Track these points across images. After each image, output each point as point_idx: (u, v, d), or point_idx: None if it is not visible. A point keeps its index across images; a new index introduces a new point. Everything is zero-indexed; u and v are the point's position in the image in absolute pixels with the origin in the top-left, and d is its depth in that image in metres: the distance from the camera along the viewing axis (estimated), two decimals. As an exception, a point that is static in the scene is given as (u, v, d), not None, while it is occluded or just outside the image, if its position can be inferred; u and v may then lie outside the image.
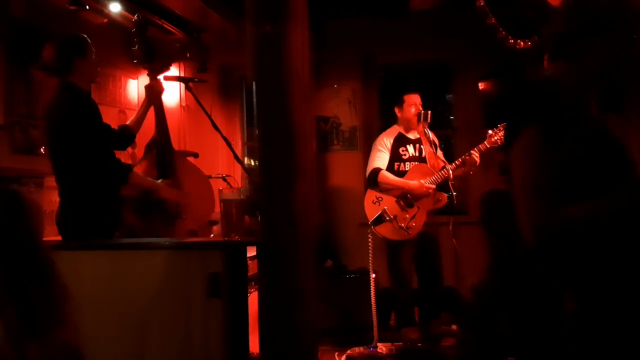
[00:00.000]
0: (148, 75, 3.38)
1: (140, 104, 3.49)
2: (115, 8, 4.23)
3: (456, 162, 4.28)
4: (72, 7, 3.73)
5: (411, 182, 4.25)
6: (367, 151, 5.29)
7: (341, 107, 5.60)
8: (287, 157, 2.45)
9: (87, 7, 3.68)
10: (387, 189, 4.29)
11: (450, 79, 5.59)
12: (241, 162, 3.69)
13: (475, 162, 4.22)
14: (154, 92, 3.30)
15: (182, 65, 5.67)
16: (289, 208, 2.45)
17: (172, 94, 5.65)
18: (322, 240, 5.20)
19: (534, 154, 1.53)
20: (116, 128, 3.27)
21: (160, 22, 4.49)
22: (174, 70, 5.60)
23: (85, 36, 3.12)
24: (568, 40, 1.58)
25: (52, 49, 3.08)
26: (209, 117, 3.15)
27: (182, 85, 5.83)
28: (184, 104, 5.74)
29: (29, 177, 4.07)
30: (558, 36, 1.62)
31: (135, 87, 5.50)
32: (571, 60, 1.58)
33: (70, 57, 2.98)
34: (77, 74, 3.00)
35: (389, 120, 4.81)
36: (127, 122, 3.35)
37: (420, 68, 5.82)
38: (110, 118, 5.08)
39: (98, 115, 3.03)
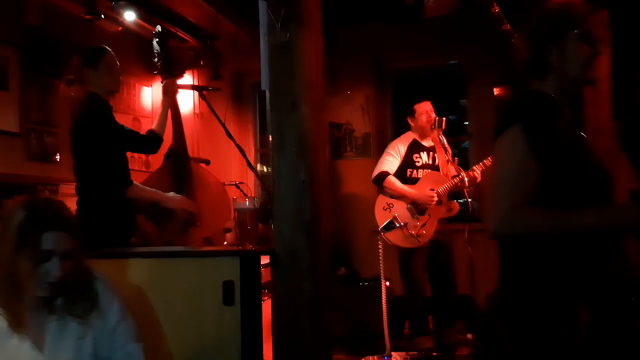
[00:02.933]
0: (163, 79, 3.41)
1: (159, 105, 3.51)
2: (130, 17, 4.25)
3: (470, 170, 4.25)
4: (87, 17, 3.75)
5: (414, 191, 4.22)
6: (379, 159, 5.29)
7: (354, 113, 5.59)
8: (300, 165, 2.44)
9: (103, 16, 3.69)
10: (395, 195, 4.27)
11: (465, 84, 5.57)
12: (254, 170, 3.70)
13: (476, 178, 4.20)
14: (170, 90, 3.34)
15: (195, 72, 5.70)
16: (302, 216, 2.44)
17: (186, 101, 5.67)
18: (335, 247, 5.19)
19: (514, 150, 1.59)
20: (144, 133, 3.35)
21: (174, 30, 4.50)
22: (187, 78, 5.63)
23: (103, 47, 3.16)
24: (539, 59, 1.69)
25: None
26: (223, 124, 3.15)
27: (196, 93, 5.93)
28: (197, 112, 5.76)
29: (44, 184, 4.10)
30: (529, 60, 1.72)
31: (149, 95, 5.54)
32: (549, 74, 1.69)
33: (82, 68, 3.03)
34: (93, 84, 3.04)
35: (402, 126, 4.79)
36: (153, 127, 3.40)
37: (433, 73, 5.80)
38: (125, 124, 5.13)
39: (117, 124, 3.09)
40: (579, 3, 1.68)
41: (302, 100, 2.38)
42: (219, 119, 3.07)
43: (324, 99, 2.50)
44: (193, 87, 3.18)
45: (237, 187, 3.94)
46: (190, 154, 3.83)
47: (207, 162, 3.78)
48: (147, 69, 5.07)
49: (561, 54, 1.65)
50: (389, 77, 5.65)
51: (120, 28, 4.61)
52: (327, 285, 2.61)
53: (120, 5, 3.86)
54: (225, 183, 3.82)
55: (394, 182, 4.26)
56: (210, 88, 3.16)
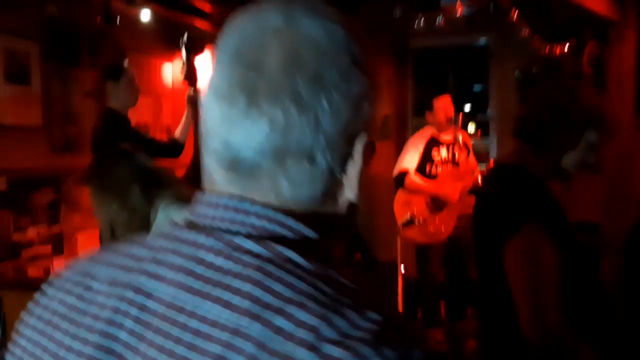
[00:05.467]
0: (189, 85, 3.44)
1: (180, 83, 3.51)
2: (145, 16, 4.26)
3: (488, 166, 4.24)
4: (104, 25, 3.78)
5: (442, 189, 4.22)
6: (399, 141, 5.28)
7: (373, 94, 5.54)
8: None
9: (118, 22, 3.70)
10: (416, 192, 4.29)
11: (487, 65, 5.46)
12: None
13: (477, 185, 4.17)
14: (194, 100, 3.37)
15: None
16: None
17: (206, 77, 5.68)
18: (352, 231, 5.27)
19: (537, 253, 1.53)
20: (166, 139, 3.42)
21: (191, 22, 4.49)
22: (207, 54, 5.60)
23: (124, 63, 3.21)
24: (541, 138, 1.65)
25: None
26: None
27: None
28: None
29: (68, 174, 4.21)
30: (533, 129, 1.68)
31: (170, 71, 5.55)
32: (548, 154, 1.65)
33: (104, 82, 3.09)
34: (114, 99, 3.11)
35: (422, 109, 4.76)
36: (175, 134, 3.46)
37: (455, 53, 5.68)
38: (146, 107, 5.18)
39: (137, 135, 3.15)
40: (590, 89, 1.64)
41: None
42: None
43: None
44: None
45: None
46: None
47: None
48: (167, 44, 5.09)
49: (566, 139, 1.63)
50: (410, 57, 5.55)
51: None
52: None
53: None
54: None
55: (416, 180, 4.26)
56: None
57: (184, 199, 1.87)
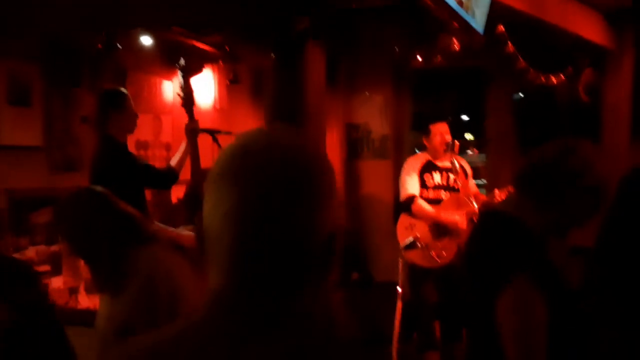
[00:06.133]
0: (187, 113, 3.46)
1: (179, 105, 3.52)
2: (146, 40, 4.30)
3: (489, 196, 4.26)
4: (105, 52, 3.82)
5: (448, 217, 4.19)
6: (397, 161, 5.31)
7: (372, 114, 5.59)
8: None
9: (120, 47, 3.74)
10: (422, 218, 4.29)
11: (484, 88, 5.50)
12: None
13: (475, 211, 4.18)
14: (191, 131, 3.38)
15: (215, 68, 5.71)
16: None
17: (207, 96, 5.72)
18: (349, 248, 5.28)
19: (528, 305, 1.53)
20: (163, 167, 3.44)
21: (190, 40, 4.53)
22: (206, 73, 5.64)
23: (124, 90, 3.24)
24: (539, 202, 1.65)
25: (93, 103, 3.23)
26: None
27: (216, 87, 5.95)
28: (217, 107, 5.81)
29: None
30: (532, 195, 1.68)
31: (170, 89, 5.58)
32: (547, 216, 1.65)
33: (108, 111, 3.12)
34: (115, 126, 3.14)
35: (420, 130, 4.78)
36: (170, 163, 3.47)
37: (454, 76, 5.73)
38: (146, 125, 5.21)
39: (135, 164, 3.18)
40: (590, 153, 1.65)
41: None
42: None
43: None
44: (207, 131, 3.23)
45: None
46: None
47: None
48: (166, 63, 5.12)
49: (575, 205, 1.63)
50: (409, 79, 5.59)
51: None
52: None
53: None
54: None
55: (423, 206, 4.22)
56: (221, 131, 3.20)
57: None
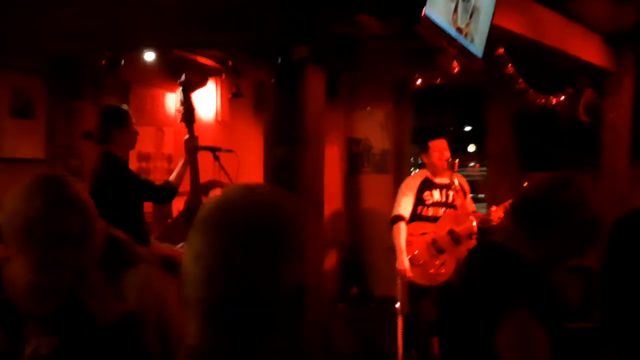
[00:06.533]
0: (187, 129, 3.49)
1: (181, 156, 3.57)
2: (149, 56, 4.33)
3: (487, 214, 4.27)
4: (109, 69, 3.86)
5: (403, 260, 4.20)
6: (398, 176, 5.33)
7: (373, 129, 5.61)
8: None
9: (123, 62, 3.77)
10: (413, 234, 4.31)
11: (485, 104, 5.52)
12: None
13: (490, 222, 4.18)
14: (191, 147, 3.42)
15: (218, 80, 5.73)
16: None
17: (208, 108, 5.74)
18: (349, 263, 5.30)
19: (528, 337, 1.53)
20: (162, 182, 3.47)
21: (194, 55, 4.56)
22: (210, 86, 5.66)
23: (126, 107, 3.28)
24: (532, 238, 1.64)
25: (95, 119, 3.26)
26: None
27: (218, 100, 5.98)
28: (219, 119, 5.83)
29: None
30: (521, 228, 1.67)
31: (172, 101, 5.60)
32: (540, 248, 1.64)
33: (111, 128, 3.16)
34: (117, 143, 3.18)
35: (420, 144, 4.79)
36: (170, 178, 3.50)
37: (455, 92, 5.75)
38: (148, 137, 5.22)
39: (135, 181, 3.21)
40: (586, 187, 1.65)
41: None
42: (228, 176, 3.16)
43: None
44: (208, 148, 3.27)
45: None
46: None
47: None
48: (169, 76, 5.14)
49: (570, 239, 1.63)
50: (410, 95, 5.62)
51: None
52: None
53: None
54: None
55: (399, 233, 4.25)
56: (223, 149, 3.24)
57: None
